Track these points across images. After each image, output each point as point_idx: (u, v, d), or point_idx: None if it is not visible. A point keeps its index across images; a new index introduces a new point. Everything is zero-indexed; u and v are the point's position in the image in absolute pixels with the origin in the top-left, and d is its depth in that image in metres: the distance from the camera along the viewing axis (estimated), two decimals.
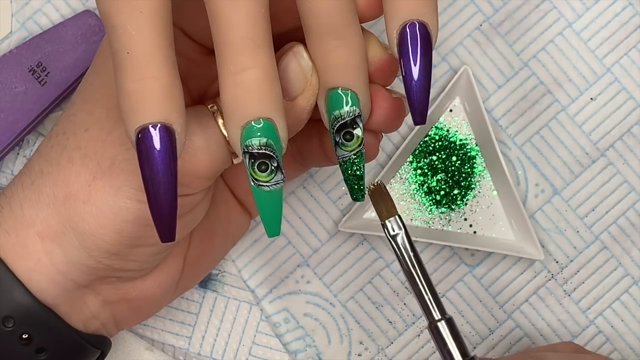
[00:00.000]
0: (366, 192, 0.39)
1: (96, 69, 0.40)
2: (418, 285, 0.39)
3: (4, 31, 0.50)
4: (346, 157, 0.37)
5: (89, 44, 0.48)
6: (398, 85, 0.50)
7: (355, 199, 0.39)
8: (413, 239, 0.49)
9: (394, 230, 0.39)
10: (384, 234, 0.48)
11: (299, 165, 0.44)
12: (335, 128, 0.36)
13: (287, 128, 0.34)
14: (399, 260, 0.39)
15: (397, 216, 0.39)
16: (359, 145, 0.37)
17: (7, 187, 0.40)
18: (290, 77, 0.35)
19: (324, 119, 0.37)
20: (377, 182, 0.40)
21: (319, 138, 0.41)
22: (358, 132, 0.37)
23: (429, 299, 0.39)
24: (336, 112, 0.36)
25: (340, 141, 0.37)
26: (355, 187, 0.38)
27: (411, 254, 0.39)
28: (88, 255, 0.38)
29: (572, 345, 0.47)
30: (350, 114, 0.36)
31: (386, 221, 0.39)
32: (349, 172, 0.38)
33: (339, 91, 0.36)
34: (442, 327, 0.39)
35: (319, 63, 0.35)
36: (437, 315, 0.39)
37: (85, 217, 0.37)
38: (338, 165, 0.38)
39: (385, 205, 0.39)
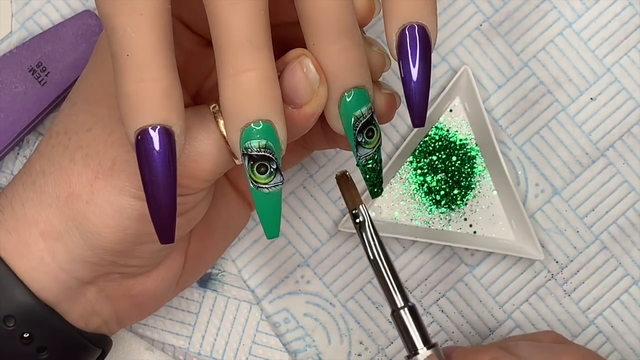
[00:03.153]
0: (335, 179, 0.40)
1: (95, 68, 0.40)
2: (382, 273, 0.39)
3: (4, 31, 0.50)
4: (369, 154, 0.37)
5: (89, 44, 0.48)
6: (398, 86, 0.50)
7: (375, 195, 0.39)
8: (413, 239, 0.49)
9: (360, 220, 0.39)
10: (383, 234, 0.49)
11: (302, 149, 0.44)
12: (358, 128, 0.36)
13: (286, 130, 0.34)
14: (365, 249, 0.39)
15: (362, 205, 0.39)
16: (379, 139, 0.37)
17: (7, 187, 0.40)
18: (296, 87, 0.35)
19: (337, 123, 0.36)
20: (343, 172, 0.40)
21: (320, 121, 0.41)
22: (377, 126, 0.37)
23: (392, 286, 0.39)
24: (357, 112, 0.36)
25: (363, 140, 0.37)
26: (376, 182, 0.38)
27: (376, 242, 0.39)
28: (92, 252, 0.38)
29: (554, 335, 0.47)
30: (369, 111, 0.36)
31: (353, 210, 0.40)
32: (370, 168, 0.38)
33: (356, 91, 0.35)
34: (405, 314, 0.39)
35: (334, 64, 0.35)
36: (400, 303, 0.39)
37: (89, 216, 0.37)
38: (357, 164, 0.38)
39: (350, 195, 0.40)
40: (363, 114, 0.36)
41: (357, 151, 0.37)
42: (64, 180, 0.38)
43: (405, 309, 0.39)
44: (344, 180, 0.40)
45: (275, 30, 0.35)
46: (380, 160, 0.38)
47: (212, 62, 0.34)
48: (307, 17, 0.34)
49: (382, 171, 0.38)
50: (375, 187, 0.38)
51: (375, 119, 0.36)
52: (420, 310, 0.50)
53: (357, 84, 0.35)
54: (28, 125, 0.48)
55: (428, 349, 0.39)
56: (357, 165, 0.38)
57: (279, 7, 0.37)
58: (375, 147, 0.37)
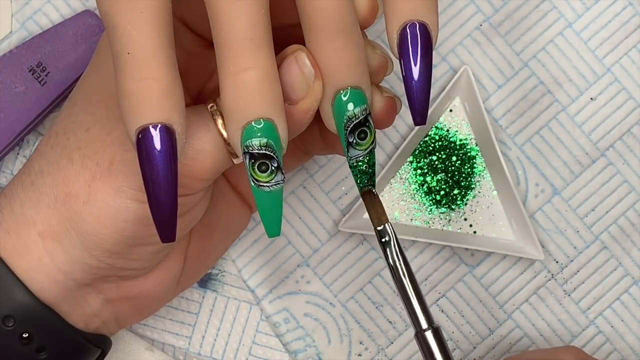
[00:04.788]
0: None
1: (96, 68, 0.40)
2: (407, 293, 0.39)
3: (4, 31, 0.50)
4: (360, 156, 0.37)
5: (89, 44, 0.48)
6: (399, 85, 0.50)
7: None
8: (413, 239, 0.49)
9: (385, 237, 0.39)
10: (381, 249, 0.48)
11: (301, 154, 0.44)
12: (349, 129, 0.36)
13: (287, 128, 0.34)
14: (390, 268, 0.39)
15: (388, 223, 0.39)
16: (372, 142, 0.37)
17: (7, 187, 0.40)
18: (292, 82, 0.35)
19: (329, 122, 0.36)
20: (369, 189, 0.40)
21: (318, 126, 0.41)
22: (371, 129, 0.36)
23: (417, 308, 0.39)
24: (349, 113, 0.36)
25: (354, 141, 0.36)
26: (367, 184, 0.38)
27: (401, 261, 0.39)
28: (90, 254, 0.38)
29: (575, 351, 0.46)
30: (363, 112, 0.36)
31: (378, 228, 0.39)
32: (362, 171, 0.38)
33: (350, 90, 0.35)
34: (429, 336, 0.39)
35: (328, 63, 0.35)
36: (424, 324, 0.39)
37: (86, 217, 0.37)
38: (349, 165, 0.38)
39: (376, 212, 0.39)
40: (355, 115, 0.36)
41: (348, 152, 0.37)
42: (62, 181, 0.38)
43: (430, 330, 0.38)
44: (369, 197, 0.39)
45: (278, 31, 0.35)
46: (374, 163, 0.38)
47: (213, 63, 0.34)
48: (306, 15, 0.34)
49: (374, 174, 0.38)
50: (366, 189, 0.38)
51: (370, 122, 0.36)
52: None
53: (352, 84, 0.35)
54: (28, 125, 0.48)
55: None
56: (349, 165, 0.38)
57: (282, 9, 0.37)
58: (367, 150, 0.37)
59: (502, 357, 0.50)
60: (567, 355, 0.45)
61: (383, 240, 0.39)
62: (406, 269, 0.39)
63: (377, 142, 0.40)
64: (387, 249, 0.39)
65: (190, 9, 0.39)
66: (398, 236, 0.49)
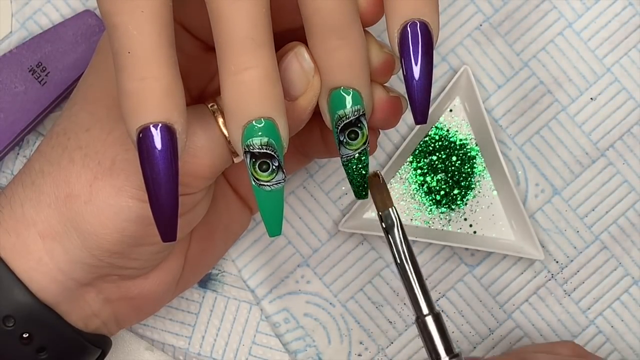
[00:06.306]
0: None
1: (96, 68, 0.40)
2: (409, 278, 0.38)
3: (4, 31, 0.50)
4: (350, 155, 0.37)
5: (89, 44, 0.48)
6: (399, 85, 0.50)
7: (359, 197, 0.39)
8: (413, 239, 0.49)
9: (389, 222, 0.39)
10: (383, 234, 0.49)
11: (301, 157, 0.44)
12: (340, 127, 0.36)
13: (287, 127, 0.34)
14: (392, 253, 0.39)
15: (393, 208, 0.39)
16: (364, 143, 0.37)
17: (7, 187, 0.40)
18: (291, 78, 0.35)
19: (326, 119, 0.37)
20: (375, 172, 0.39)
21: (320, 130, 0.41)
22: (363, 130, 0.37)
23: (419, 293, 0.39)
24: (340, 112, 0.36)
25: (344, 140, 0.37)
26: (360, 185, 0.38)
27: (405, 246, 0.39)
28: (90, 254, 0.38)
29: (572, 345, 0.47)
30: (355, 113, 0.36)
31: (382, 213, 0.39)
32: (354, 170, 0.38)
33: (342, 90, 0.36)
34: (430, 322, 0.39)
35: (322, 62, 0.35)
36: (425, 310, 0.39)
37: (87, 217, 0.37)
38: (341, 163, 0.38)
39: (381, 197, 0.39)
40: (346, 114, 0.36)
41: (339, 149, 0.37)
42: (63, 181, 0.38)
43: (430, 316, 0.38)
44: (375, 180, 0.39)
45: (280, 35, 0.35)
46: (367, 163, 0.38)
47: (213, 66, 0.34)
48: (305, 15, 0.35)
49: (367, 174, 0.38)
50: (358, 190, 0.39)
51: (363, 123, 0.36)
52: None
53: (345, 84, 0.36)
54: (28, 125, 0.48)
55: (451, 358, 0.38)
56: (342, 163, 0.38)
57: (284, 12, 0.38)
58: (358, 150, 0.37)
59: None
60: (564, 349, 0.46)
61: (387, 224, 0.38)
62: (409, 254, 0.38)
63: (377, 142, 0.40)
64: (390, 234, 0.38)
65: (190, 12, 0.39)
66: None
